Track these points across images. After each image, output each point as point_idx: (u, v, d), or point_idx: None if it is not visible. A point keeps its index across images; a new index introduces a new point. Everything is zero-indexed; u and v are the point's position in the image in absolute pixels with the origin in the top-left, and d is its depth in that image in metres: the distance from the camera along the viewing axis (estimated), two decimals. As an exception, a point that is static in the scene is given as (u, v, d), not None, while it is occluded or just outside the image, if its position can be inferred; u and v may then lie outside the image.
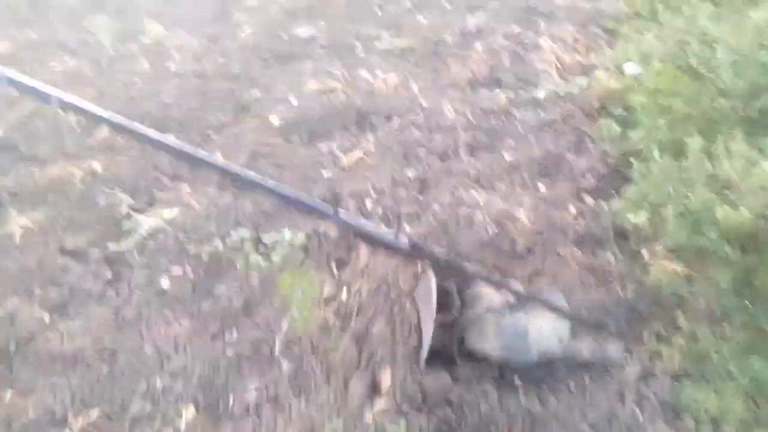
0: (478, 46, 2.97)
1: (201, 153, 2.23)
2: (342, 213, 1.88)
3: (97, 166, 2.23)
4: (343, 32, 3.15)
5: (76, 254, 1.92)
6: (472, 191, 2.04)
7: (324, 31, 3.18)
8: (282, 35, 3.15)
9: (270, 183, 2.05)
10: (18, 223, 1.99)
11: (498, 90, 2.64)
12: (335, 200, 1.97)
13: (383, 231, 1.83)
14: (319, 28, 3.21)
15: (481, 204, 1.99)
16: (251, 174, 2.10)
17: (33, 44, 3.04)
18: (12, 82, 2.62)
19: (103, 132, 2.40)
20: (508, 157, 2.22)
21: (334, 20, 3.28)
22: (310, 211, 1.95)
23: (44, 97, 2.52)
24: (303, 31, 3.17)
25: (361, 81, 2.75)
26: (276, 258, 1.86)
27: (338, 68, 2.83)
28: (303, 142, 2.36)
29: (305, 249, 1.87)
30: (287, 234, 1.91)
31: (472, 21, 3.19)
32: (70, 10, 3.37)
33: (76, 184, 2.14)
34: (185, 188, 2.13)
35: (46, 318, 1.73)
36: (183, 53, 2.99)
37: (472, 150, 2.27)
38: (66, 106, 2.47)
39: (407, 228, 1.91)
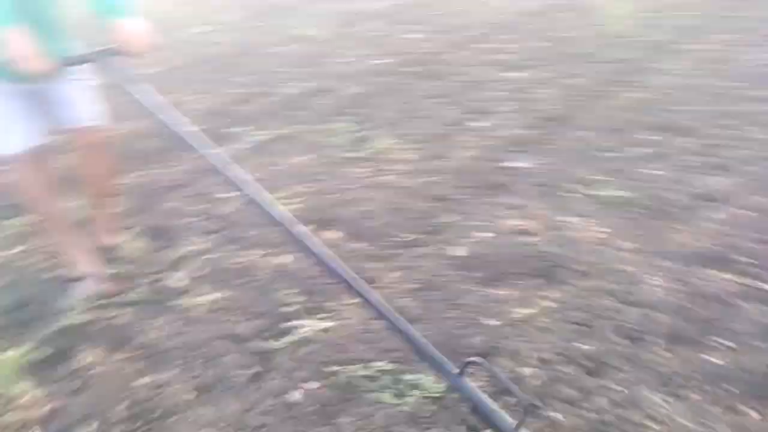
0: (715, 214, 2.56)
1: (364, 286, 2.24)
2: (465, 378, 1.57)
3: (287, 260, 2.39)
4: (560, 171, 3.01)
5: (238, 340, 2.04)
6: (655, 395, 1.68)
7: (541, 166, 3.08)
8: (497, 163, 3.14)
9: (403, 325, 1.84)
10: (208, 298, 2.19)
11: (728, 274, 2.21)
12: (487, 356, 1.79)
13: (502, 417, 1.48)
14: (536, 161, 3.13)
15: (662, 414, 1.62)
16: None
17: (278, 137, 3.51)
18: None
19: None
20: (714, 360, 1.80)
21: (555, 157, 3.17)
22: (432, 363, 1.71)
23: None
24: (519, 162, 3.11)
25: (563, 227, 2.55)
26: (409, 400, 1.74)
27: (543, 208, 2.69)
28: (478, 281, 2.24)
29: (440, 402, 1.71)
30: (427, 380, 1.78)
31: (713, 183, 2.80)
32: (320, 114, 3.84)
33: (264, 272, 2.31)
34: (349, 304, 2.15)
35: (192, 397, 1.84)
36: (398, 165, 3.15)
37: (671, 340, 1.89)
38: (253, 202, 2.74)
39: (553, 415, 1.63)
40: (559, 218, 2.62)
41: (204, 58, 5.12)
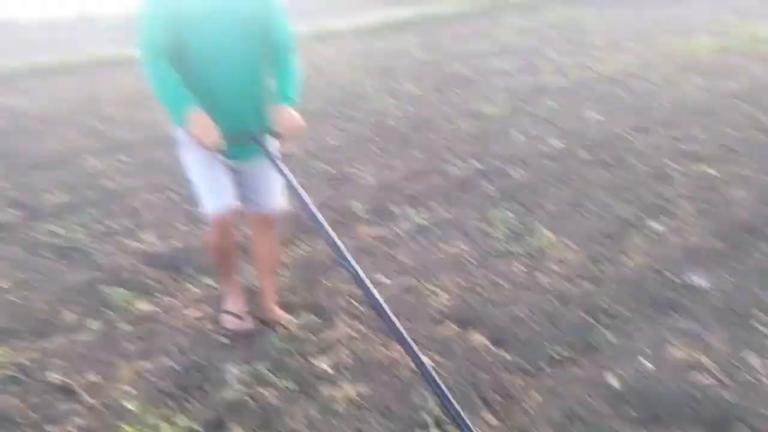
0: None
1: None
2: None
3: (435, 358, 2.37)
4: (749, 296, 2.64)
5: (372, 440, 2.05)
6: None
7: (722, 286, 2.74)
8: (672, 276, 2.84)
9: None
10: (349, 391, 2.24)
11: None
12: None
13: None
14: (720, 280, 2.78)
15: None
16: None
17: (437, 221, 3.55)
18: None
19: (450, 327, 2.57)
20: None
21: (744, 277, 2.79)
22: None
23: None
24: (696, 279, 2.79)
25: (746, 368, 2.22)
26: None
27: (723, 341, 2.37)
28: (634, 421, 2.01)
29: None
30: None
31: None
32: (483, 199, 3.82)
33: (405, 371, 2.31)
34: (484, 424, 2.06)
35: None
36: (558, 266, 3.00)
37: None
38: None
39: None
40: (741, 355, 2.29)
41: (382, 130, 5.41)
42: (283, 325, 2.59)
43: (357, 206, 3.79)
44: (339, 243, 2.01)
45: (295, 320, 2.64)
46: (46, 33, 16.73)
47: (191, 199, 2.93)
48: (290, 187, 2.16)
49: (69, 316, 2.78)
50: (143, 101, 6.24)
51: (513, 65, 7.86)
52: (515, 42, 9.63)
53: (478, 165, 4.41)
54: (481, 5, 14.31)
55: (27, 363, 2.40)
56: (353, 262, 1.98)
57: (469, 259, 3.13)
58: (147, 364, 2.39)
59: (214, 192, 2.30)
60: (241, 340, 2.54)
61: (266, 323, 2.63)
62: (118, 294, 2.87)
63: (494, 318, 2.61)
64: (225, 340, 2.55)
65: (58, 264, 3.30)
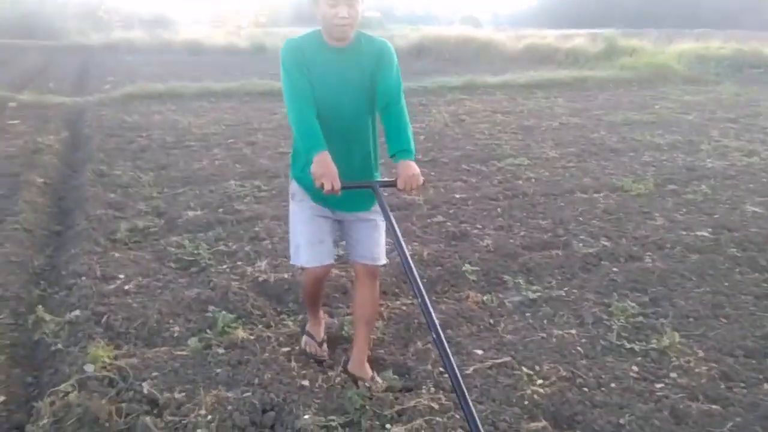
0: None
1: None
2: None
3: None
4: None
5: None
6: None
7: None
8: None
9: None
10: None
11: None
12: None
13: None
14: None
15: None
16: None
17: (550, 299, 3.30)
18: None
19: None
20: None
21: None
22: None
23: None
24: None
25: None
26: None
27: None
28: None
29: None
30: None
31: None
32: (604, 282, 3.51)
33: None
34: None
35: None
36: (680, 377, 2.63)
37: None
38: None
39: None
40: None
41: (510, 192, 5.25)
42: (366, 384, 2.52)
43: (468, 268, 3.65)
44: (429, 306, 1.94)
45: (380, 381, 2.55)
46: (223, 58, 18.62)
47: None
48: (395, 237, 2.15)
49: (175, 329, 2.93)
50: (289, 133, 6.66)
51: (667, 140, 7.33)
52: (674, 116, 9.02)
53: (607, 244, 4.09)
54: (644, 74, 13.66)
55: (127, 368, 2.55)
56: (437, 324, 1.90)
57: (578, 347, 2.86)
58: (229, 394, 2.43)
59: (314, 248, 2.43)
60: (322, 388, 2.51)
61: (352, 375, 2.59)
62: (221, 316, 2.98)
63: (594, 422, 2.33)
64: (305, 383, 2.53)
65: (178, 276, 3.54)
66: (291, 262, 2.59)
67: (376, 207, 2.42)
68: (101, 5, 34.43)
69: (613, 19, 35.17)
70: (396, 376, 2.60)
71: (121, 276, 3.47)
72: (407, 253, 2.10)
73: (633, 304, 3.23)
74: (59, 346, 2.76)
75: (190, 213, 4.56)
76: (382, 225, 2.52)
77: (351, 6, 2.16)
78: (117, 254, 3.79)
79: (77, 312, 3.02)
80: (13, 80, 12.73)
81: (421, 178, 2.26)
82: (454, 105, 10.02)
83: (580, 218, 4.58)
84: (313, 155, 2.18)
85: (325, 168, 2.15)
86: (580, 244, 4.07)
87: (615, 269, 3.69)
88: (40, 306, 3.08)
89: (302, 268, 2.59)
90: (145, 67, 16.32)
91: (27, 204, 4.69)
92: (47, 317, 2.97)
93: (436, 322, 1.91)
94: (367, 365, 2.63)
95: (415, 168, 2.25)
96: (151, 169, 5.88)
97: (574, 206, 4.86)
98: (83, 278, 3.40)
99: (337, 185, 2.14)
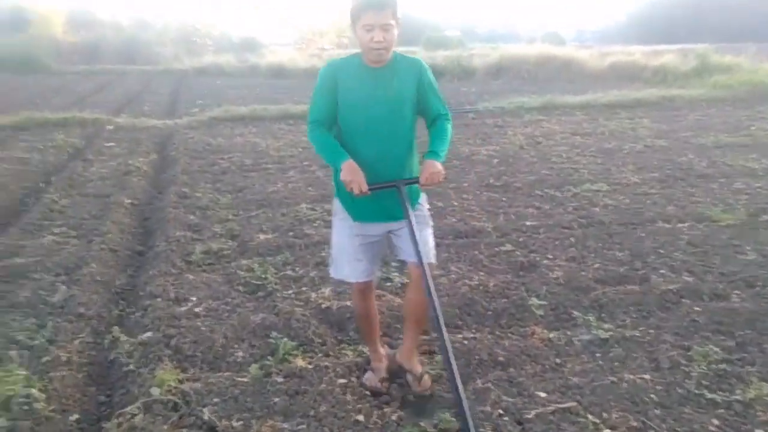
0: None
1: None
2: None
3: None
4: None
5: None
6: None
7: None
8: None
9: None
10: None
11: None
12: None
13: None
14: None
15: None
16: None
17: (622, 339, 3.11)
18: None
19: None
20: None
21: None
22: None
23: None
24: None
25: None
26: None
27: None
28: None
29: None
30: None
31: None
32: (686, 323, 3.27)
33: None
34: None
35: None
36: (767, 436, 2.40)
37: None
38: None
39: None
40: None
41: (585, 220, 5.03)
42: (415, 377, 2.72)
43: (535, 302, 3.52)
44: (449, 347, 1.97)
45: (428, 379, 2.75)
46: (305, 81, 19.19)
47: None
48: (411, 235, 2.38)
49: (238, 354, 3.01)
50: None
51: (763, 165, 6.81)
52: (773, 139, 8.37)
53: (689, 280, 3.82)
54: (740, 92, 12.82)
55: (191, 393, 2.63)
56: (455, 369, 1.94)
57: (651, 395, 2.67)
58: (285, 425, 2.45)
59: (353, 264, 2.63)
60: (377, 424, 2.48)
61: (400, 366, 2.77)
62: (283, 344, 3.03)
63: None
64: (360, 417, 2.51)
65: (246, 300, 3.63)
66: (331, 276, 2.77)
67: (419, 211, 2.61)
68: (195, 31, 36.60)
69: (707, 33, 33.39)
70: (453, 419, 2.52)
71: (193, 298, 3.61)
72: (422, 256, 2.36)
73: (716, 349, 2.98)
74: (131, 366, 2.89)
75: (262, 236, 4.69)
76: (429, 225, 2.67)
77: (386, 31, 2.31)
78: (191, 276, 3.95)
79: (149, 333, 3.17)
80: (113, 104, 13.72)
81: (443, 175, 2.44)
82: (530, 126, 9.80)
83: (661, 250, 4.31)
84: (339, 165, 2.39)
85: (352, 174, 2.35)
86: (660, 279, 3.82)
87: (697, 308, 3.43)
88: (116, 327, 3.25)
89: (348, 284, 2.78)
90: (231, 90, 17.14)
91: (114, 224, 5.00)
92: (123, 337, 3.13)
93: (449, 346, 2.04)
94: (416, 359, 2.78)
95: (439, 166, 2.44)
96: (229, 191, 6.13)
97: (654, 237, 4.59)
98: (158, 299, 3.56)
99: (365, 187, 2.34)
